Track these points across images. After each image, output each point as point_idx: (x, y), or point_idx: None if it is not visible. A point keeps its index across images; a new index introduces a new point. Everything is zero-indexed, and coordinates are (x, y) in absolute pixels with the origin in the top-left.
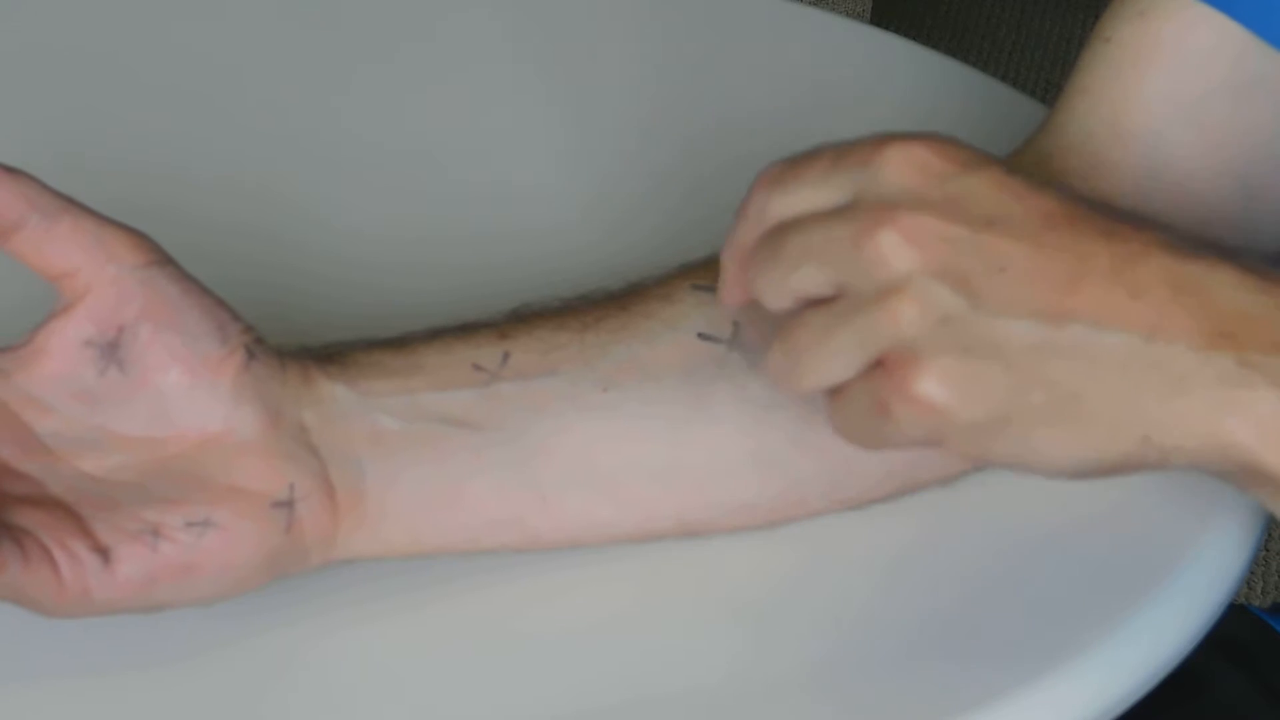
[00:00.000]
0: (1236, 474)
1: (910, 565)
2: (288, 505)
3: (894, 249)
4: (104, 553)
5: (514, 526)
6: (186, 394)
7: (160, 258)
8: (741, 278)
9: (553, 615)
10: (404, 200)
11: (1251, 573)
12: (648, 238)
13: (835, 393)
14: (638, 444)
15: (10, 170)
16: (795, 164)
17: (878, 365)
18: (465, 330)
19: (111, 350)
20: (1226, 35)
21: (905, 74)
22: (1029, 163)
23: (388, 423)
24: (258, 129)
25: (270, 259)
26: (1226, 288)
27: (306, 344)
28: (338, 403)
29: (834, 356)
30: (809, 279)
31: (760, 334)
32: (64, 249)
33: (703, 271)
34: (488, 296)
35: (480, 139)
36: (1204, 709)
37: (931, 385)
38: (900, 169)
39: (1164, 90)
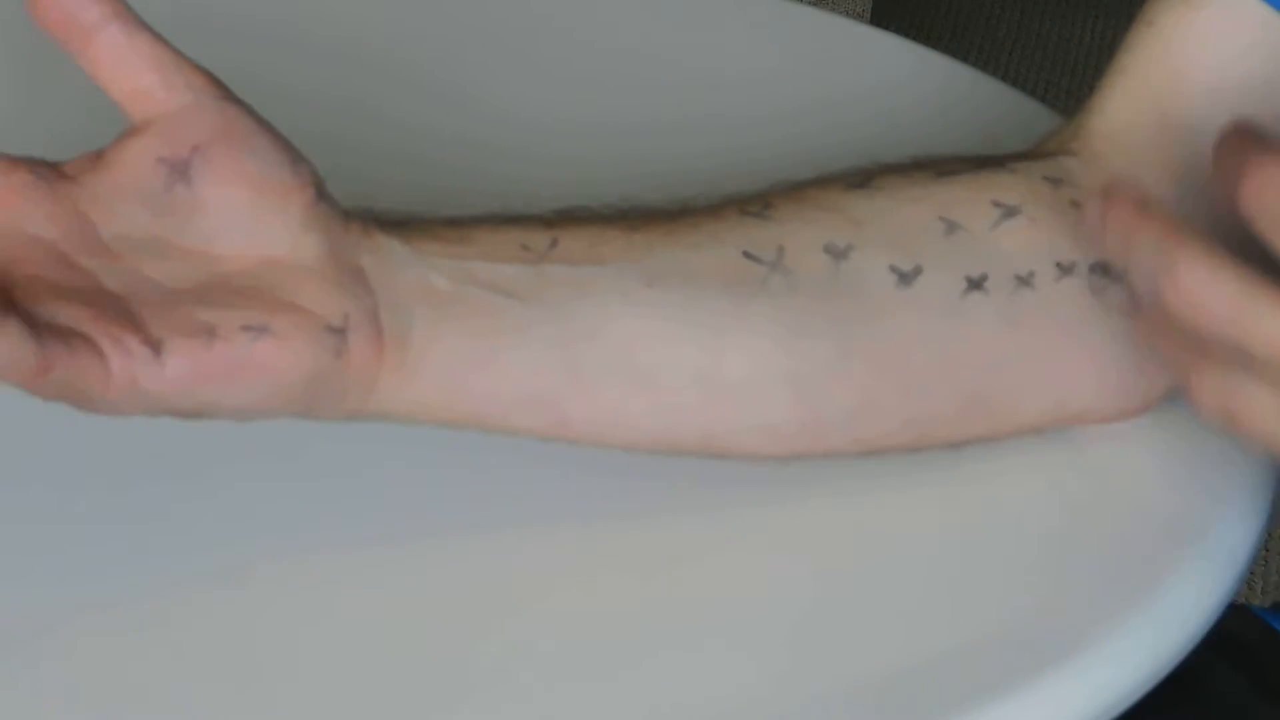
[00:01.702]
0: None
1: (909, 564)
2: (341, 332)
3: None
4: (155, 346)
5: (546, 407)
6: (255, 215)
7: (233, 95)
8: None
9: (552, 612)
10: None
11: (1251, 573)
12: None
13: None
14: (676, 344)
15: None
16: None
17: None
18: (515, 217)
19: (184, 168)
20: (1268, 27)
21: (905, 74)
22: (1070, 139)
23: (438, 281)
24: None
25: None
26: None
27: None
28: (395, 254)
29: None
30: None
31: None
32: (140, 65)
33: (751, 200)
34: None
35: (481, 140)
36: (1204, 709)
37: None
38: None
39: (1204, 80)
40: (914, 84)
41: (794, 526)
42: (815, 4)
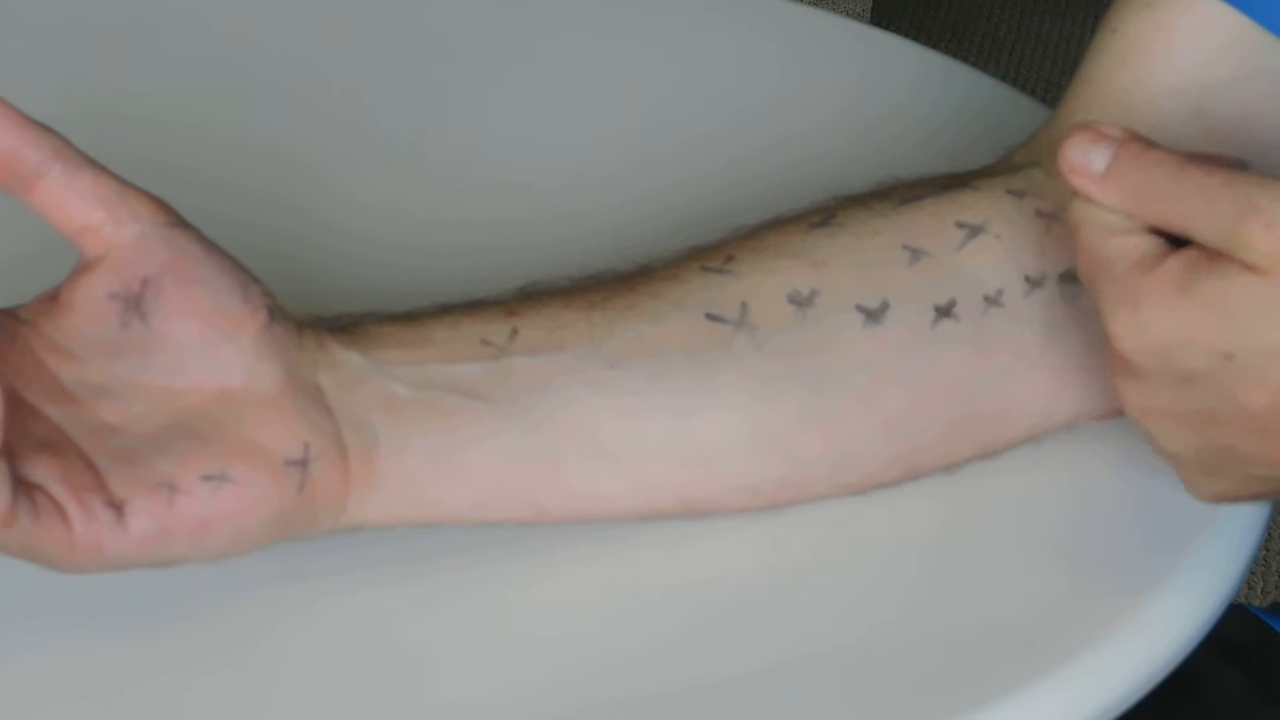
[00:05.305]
0: None
1: (909, 564)
2: (302, 464)
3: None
4: (118, 507)
5: (520, 498)
6: (208, 347)
7: (180, 220)
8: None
9: (550, 602)
10: (411, 184)
11: (1251, 573)
12: (648, 236)
13: None
14: (643, 420)
15: (39, 124)
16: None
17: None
18: (474, 307)
19: (136, 303)
20: (1233, 28)
21: (905, 74)
22: (1036, 152)
23: (400, 389)
24: (270, 114)
25: (280, 232)
26: None
27: (317, 315)
28: (352, 368)
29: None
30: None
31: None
32: (85, 203)
33: (712, 254)
34: (495, 280)
35: (489, 136)
36: (1203, 709)
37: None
38: None
39: (1169, 83)
40: (914, 84)
41: (794, 526)
42: (815, 4)
